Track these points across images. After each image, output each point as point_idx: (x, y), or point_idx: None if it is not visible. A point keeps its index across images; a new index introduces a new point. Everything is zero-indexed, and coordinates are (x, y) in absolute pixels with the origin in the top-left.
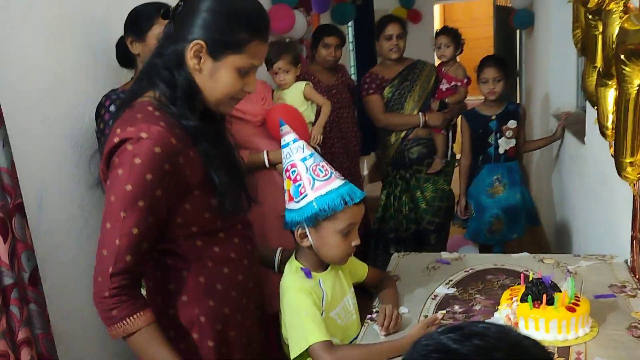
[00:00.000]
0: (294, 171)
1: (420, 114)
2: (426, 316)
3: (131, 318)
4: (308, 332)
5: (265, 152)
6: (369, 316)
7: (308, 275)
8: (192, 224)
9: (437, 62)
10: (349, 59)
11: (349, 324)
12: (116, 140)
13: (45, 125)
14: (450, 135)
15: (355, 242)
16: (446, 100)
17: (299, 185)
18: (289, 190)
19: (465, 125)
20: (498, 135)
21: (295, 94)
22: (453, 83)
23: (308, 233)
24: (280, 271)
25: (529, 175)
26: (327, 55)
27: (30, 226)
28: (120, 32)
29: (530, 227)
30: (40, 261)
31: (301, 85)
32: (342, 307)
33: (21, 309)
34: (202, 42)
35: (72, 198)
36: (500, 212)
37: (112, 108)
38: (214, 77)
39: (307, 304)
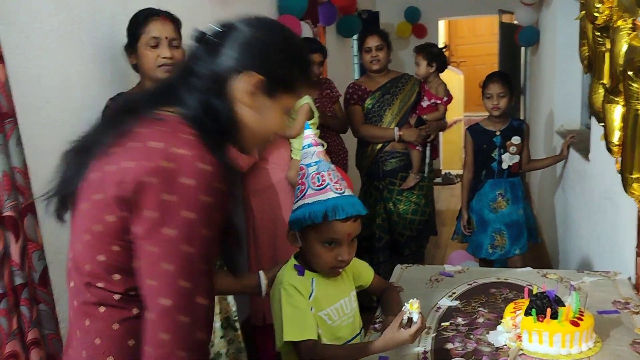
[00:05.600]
0: (300, 174)
1: (396, 128)
2: (430, 327)
3: None
4: (285, 327)
5: None
6: (372, 326)
7: (300, 272)
8: None
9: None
10: (353, 72)
11: (342, 326)
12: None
13: (50, 128)
14: (428, 151)
15: (342, 257)
16: (424, 117)
17: (298, 189)
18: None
19: (469, 139)
20: (502, 150)
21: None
22: (433, 100)
23: (297, 236)
24: (269, 294)
25: (530, 191)
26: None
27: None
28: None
29: (530, 243)
30: (47, 262)
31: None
32: (336, 308)
33: (30, 309)
34: (260, 76)
35: None
36: (503, 227)
37: None
38: (263, 116)
39: (290, 300)
